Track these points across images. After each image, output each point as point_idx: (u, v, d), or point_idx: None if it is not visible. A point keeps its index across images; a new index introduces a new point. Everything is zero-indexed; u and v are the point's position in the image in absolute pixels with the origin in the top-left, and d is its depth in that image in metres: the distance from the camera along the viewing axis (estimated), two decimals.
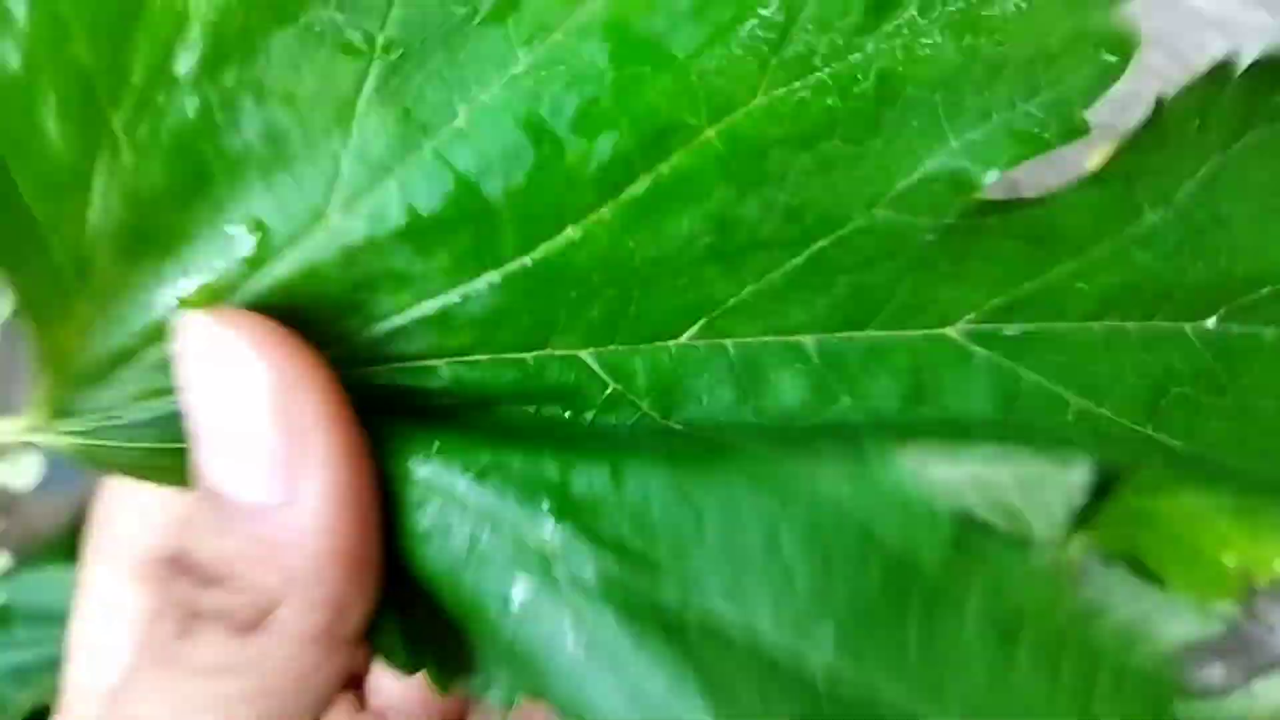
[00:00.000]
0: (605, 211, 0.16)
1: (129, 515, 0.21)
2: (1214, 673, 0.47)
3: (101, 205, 0.16)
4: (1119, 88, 0.60)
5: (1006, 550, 0.16)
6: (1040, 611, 0.16)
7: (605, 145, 0.16)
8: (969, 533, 0.16)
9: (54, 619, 0.45)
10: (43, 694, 0.43)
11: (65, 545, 0.46)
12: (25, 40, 0.15)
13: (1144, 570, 0.46)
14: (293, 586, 0.15)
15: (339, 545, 0.15)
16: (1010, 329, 0.17)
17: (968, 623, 0.16)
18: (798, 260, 0.17)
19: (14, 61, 0.15)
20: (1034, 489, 0.44)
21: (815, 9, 0.15)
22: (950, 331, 0.17)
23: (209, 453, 0.15)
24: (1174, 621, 0.46)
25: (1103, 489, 0.47)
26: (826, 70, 0.15)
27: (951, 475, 0.42)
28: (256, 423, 0.15)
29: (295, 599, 0.15)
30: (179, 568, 0.16)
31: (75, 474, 0.57)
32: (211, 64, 0.15)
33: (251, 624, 0.15)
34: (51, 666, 0.44)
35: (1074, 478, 0.45)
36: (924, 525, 0.16)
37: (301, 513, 0.15)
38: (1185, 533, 0.44)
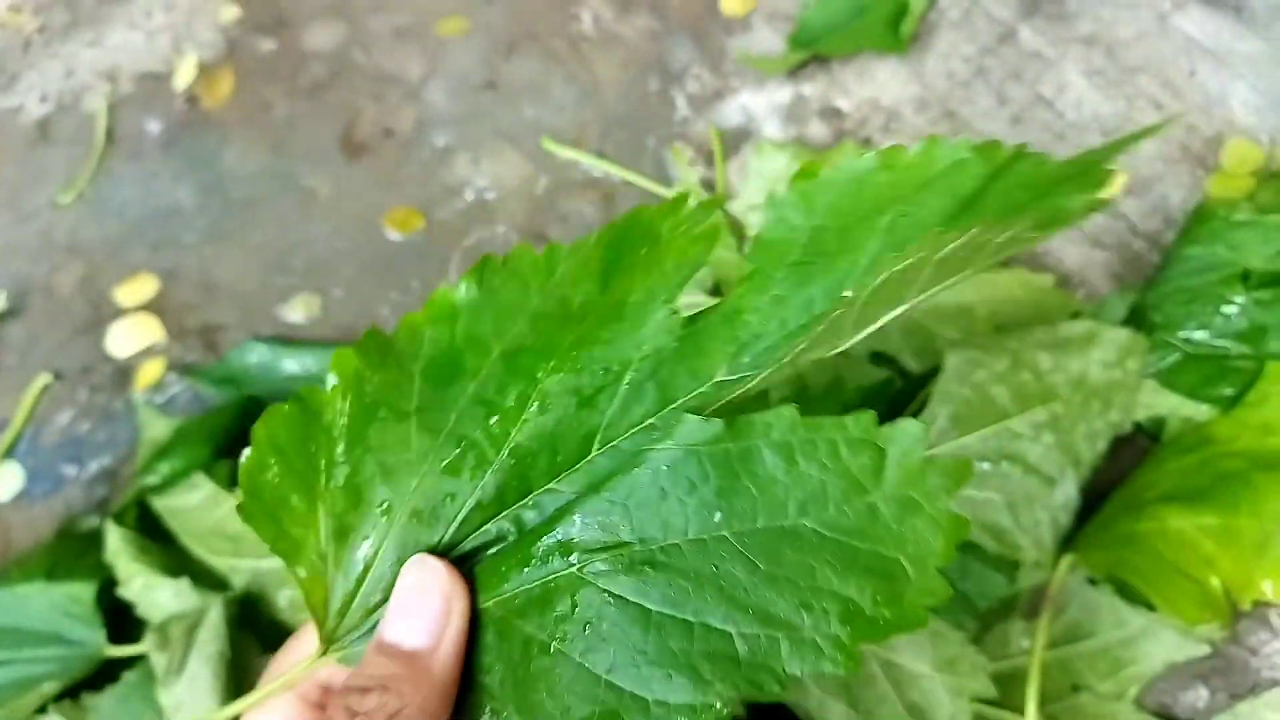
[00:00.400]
0: None
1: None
2: (1198, 695, 0.47)
3: (323, 529, 0.29)
4: (1108, 109, 0.59)
5: None
6: None
7: None
8: None
9: (26, 638, 0.45)
10: (14, 713, 0.42)
11: (42, 564, 0.46)
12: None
13: (1129, 592, 0.46)
14: (419, 694, 0.26)
15: (454, 674, 0.28)
16: None
17: None
18: None
19: (271, 475, 0.30)
20: (1022, 509, 0.44)
21: None
22: None
23: (394, 622, 0.28)
24: (1158, 644, 0.46)
25: (1088, 511, 0.47)
26: None
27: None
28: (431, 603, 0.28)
29: (418, 700, 0.26)
30: (349, 688, 0.27)
31: (53, 487, 0.57)
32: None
33: (390, 717, 0.26)
34: (23, 687, 0.43)
35: (1060, 499, 0.45)
36: None
37: (441, 652, 0.27)
38: (1170, 555, 0.44)
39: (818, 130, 0.61)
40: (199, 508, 0.46)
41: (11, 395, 0.60)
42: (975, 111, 0.60)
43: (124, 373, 0.60)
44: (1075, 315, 0.51)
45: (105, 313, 0.62)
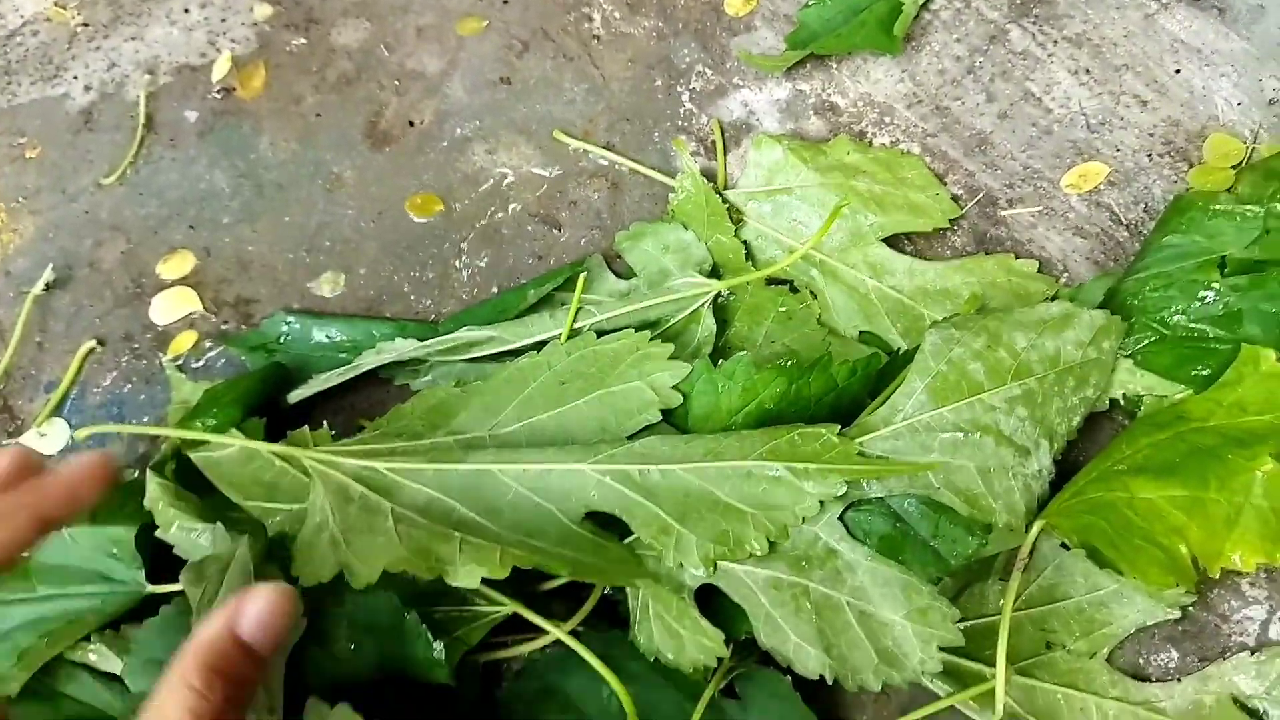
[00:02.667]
0: None
1: None
2: (1169, 657, 0.49)
3: None
4: (1094, 105, 0.64)
5: None
6: None
7: None
8: None
9: (72, 576, 0.48)
10: (59, 641, 0.46)
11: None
12: None
13: (1098, 557, 0.48)
14: None
15: None
16: None
17: None
18: None
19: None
20: (995, 477, 0.47)
21: None
22: None
23: None
24: (1129, 606, 0.48)
25: (1064, 482, 0.50)
26: None
27: (919, 461, 0.45)
28: None
29: None
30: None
31: (97, 443, 0.61)
32: None
33: None
34: (69, 620, 0.47)
35: (1033, 468, 0.48)
36: None
37: None
38: (1138, 523, 0.46)
39: (814, 125, 0.64)
40: (235, 460, 0.50)
41: (59, 359, 0.64)
42: (964, 108, 0.63)
43: (163, 340, 0.63)
44: (1054, 298, 0.53)
45: (146, 286, 0.65)
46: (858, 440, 0.46)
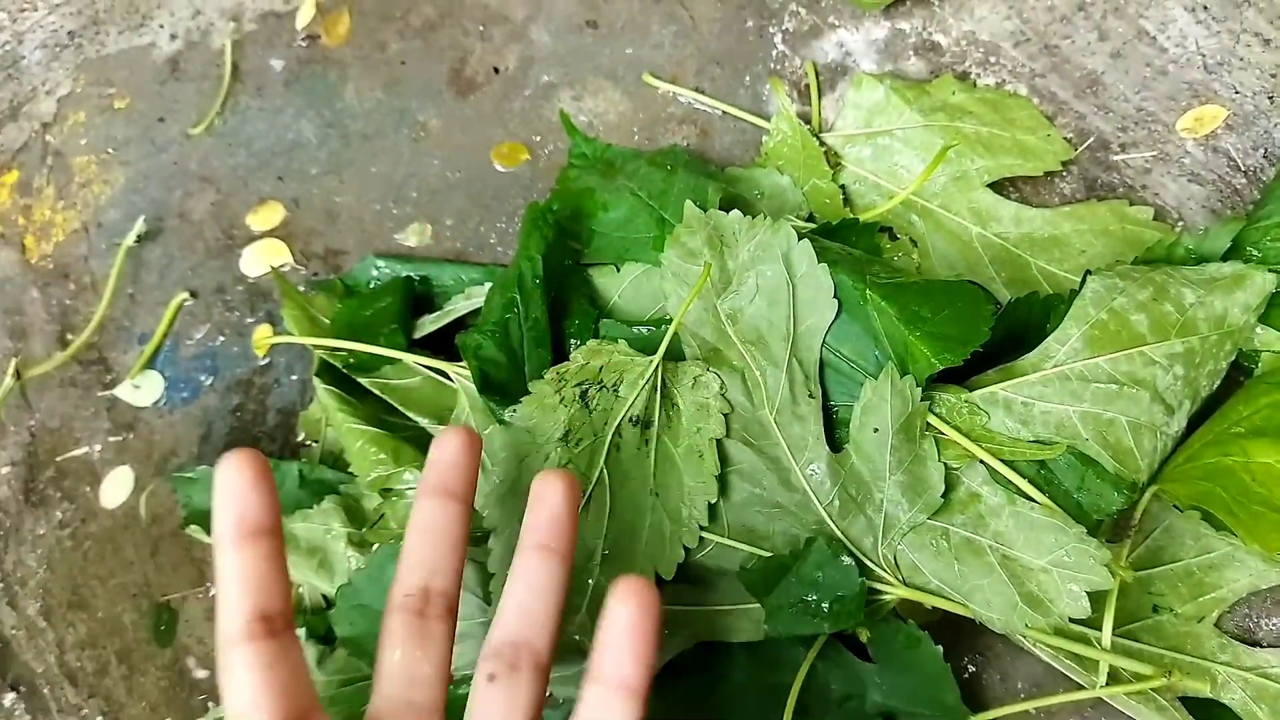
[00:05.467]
0: None
1: None
2: (1277, 623, 0.47)
3: None
4: (1212, 44, 0.60)
5: None
6: None
7: None
8: None
9: None
10: None
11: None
12: None
13: (1213, 524, 0.46)
14: None
15: None
16: None
17: None
18: None
19: None
20: (1144, 434, 0.45)
21: None
22: None
23: None
24: (1243, 570, 0.46)
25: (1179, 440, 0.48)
26: None
27: (1070, 411, 0.44)
28: None
29: None
30: None
31: (191, 395, 0.62)
32: None
33: None
34: None
35: (1174, 428, 0.46)
36: None
37: None
38: (1256, 488, 0.44)
39: (915, 66, 0.62)
40: (417, 387, 0.54)
41: (152, 311, 0.65)
42: (1075, 47, 0.60)
43: (255, 292, 0.64)
44: (1174, 248, 0.51)
45: (237, 237, 0.66)
46: (1004, 385, 0.45)
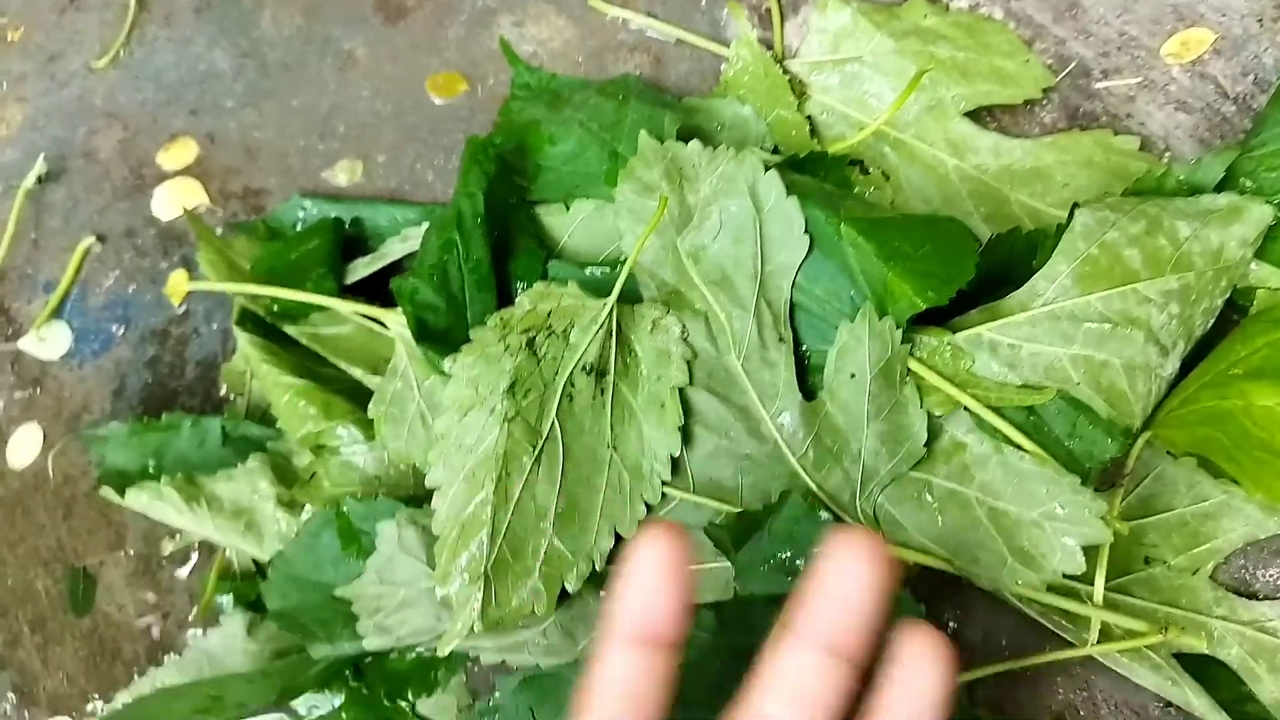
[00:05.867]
0: None
1: None
2: (1275, 574, 0.45)
3: None
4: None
5: None
6: None
7: None
8: None
9: None
10: None
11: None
12: None
13: (1211, 470, 0.44)
14: None
15: None
16: None
17: None
18: None
19: None
20: (1139, 376, 0.43)
21: None
22: None
23: None
24: (1239, 519, 0.44)
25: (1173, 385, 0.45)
26: None
27: (1060, 353, 0.41)
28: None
29: None
30: None
31: (102, 347, 0.57)
32: None
33: None
34: None
35: (1169, 370, 0.44)
36: None
37: None
38: (1256, 432, 0.42)
39: None
40: (350, 336, 0.50)
41: (56, 258, 0.60)
42: None
43: (168, 235, 0.59)
44: (1164, 179, 0.48)
45: (147, 177, 0.61)
46: (990, 326, 0.42)
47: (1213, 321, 0.45)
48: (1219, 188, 0.47)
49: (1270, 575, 0.45)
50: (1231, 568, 0.46)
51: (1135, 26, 0.55)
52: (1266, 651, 0.43)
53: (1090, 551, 0.41)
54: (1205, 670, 0.43)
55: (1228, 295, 0.46)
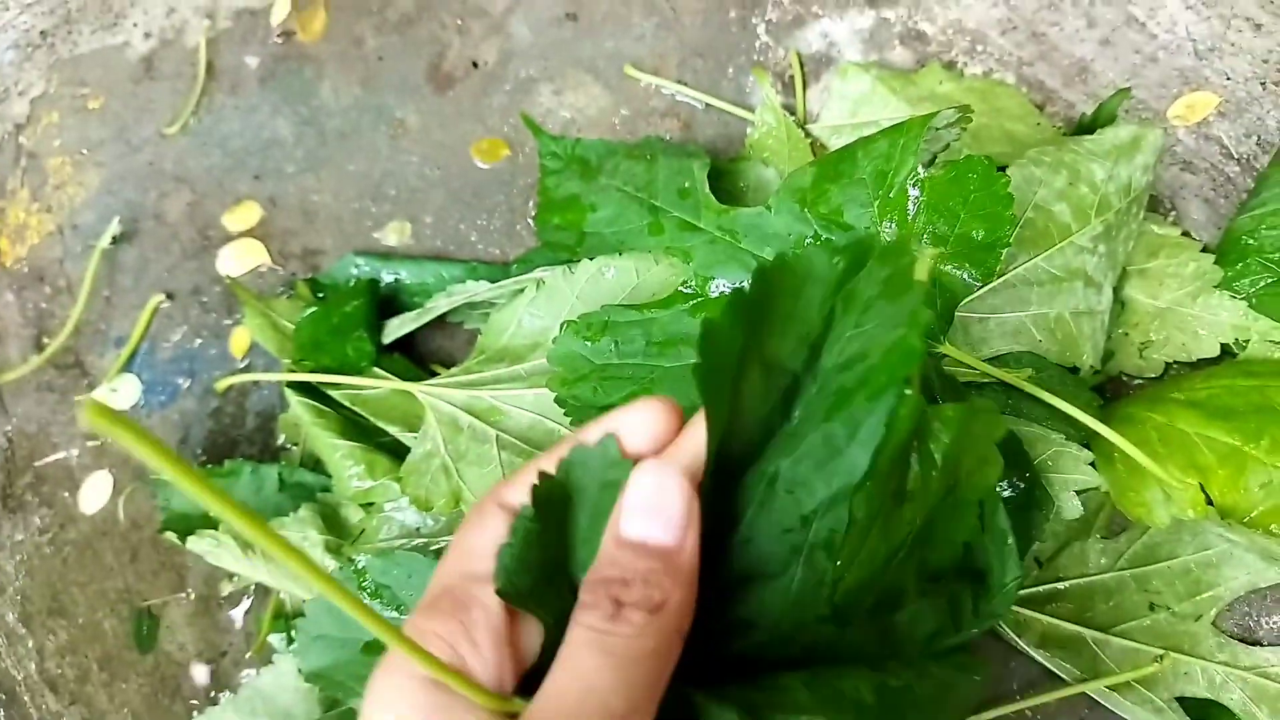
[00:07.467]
0: None
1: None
2: (1278, 621, 0.46)
3: None
4: (1202, 30, 0.57)
5: None
6: None
7: None
8: None
9: None
10: None
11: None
12: None
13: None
14: (678, 591, 0.27)
15: (695, 574, 0.28)
16: None
17: None
18: None
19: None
20: (1084, 320, 0.46)
21: None
22: None
23: (637, 524, 0.28)
24: (1239, 569, 0.45)
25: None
26: None
27: (1023, 317, 0.43)
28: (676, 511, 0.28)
29: (678, 596, 0.27)
30: (607, 579, 0.27)
31: (169, 398, 0.60)
32: None
33: (656, 608, 0.26)
34: None
35: (1104, 303, 0.47)
36: None
37: (687, 552, 0.28)
38: (1155, 447, 0.43)
39: (900, 56, 0.60)
40: (386, 397, 0.53)
41: (127, 314, 0.64)
42: (1063, 34, 0.59)
43: (232, 294, 0.63)
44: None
45: (213, 238, 0.65)
46: (959, 307, 0.45)
47: (1134, 242, 0.49)
48: (1220, 249, 0.49)
49: (1274, 623, 0.46)
50: (1236, 615, 0.47)
51: (1143, 90, 0.57)
52: (1269, 697, 0.44)
53: (1092, 595, 0.43)
54: (1208, 714, 0.44)
55: (1141, 216, 0.49)
